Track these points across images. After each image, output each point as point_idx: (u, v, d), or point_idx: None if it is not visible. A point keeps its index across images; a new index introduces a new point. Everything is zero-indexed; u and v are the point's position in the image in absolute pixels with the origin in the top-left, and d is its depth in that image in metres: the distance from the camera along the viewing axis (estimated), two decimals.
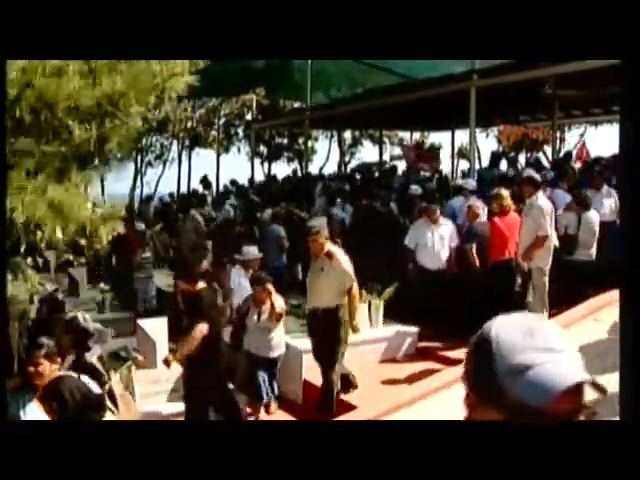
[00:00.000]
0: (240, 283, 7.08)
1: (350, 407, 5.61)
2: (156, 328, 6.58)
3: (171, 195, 18.76)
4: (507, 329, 1.15)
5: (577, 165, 11.25)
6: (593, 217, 7.70)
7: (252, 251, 7.15)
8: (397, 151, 27.32)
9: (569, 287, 7.58)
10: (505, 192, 7.31)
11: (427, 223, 7.86)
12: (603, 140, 30.11)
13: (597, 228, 7.65)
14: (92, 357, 4.51)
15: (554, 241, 6.96)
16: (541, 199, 6.82)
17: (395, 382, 6.31)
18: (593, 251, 7.69)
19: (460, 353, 6.67)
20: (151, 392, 5.91)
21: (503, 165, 12.66)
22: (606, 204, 8.10)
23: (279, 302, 6.08)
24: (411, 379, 6.14)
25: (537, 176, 7.17)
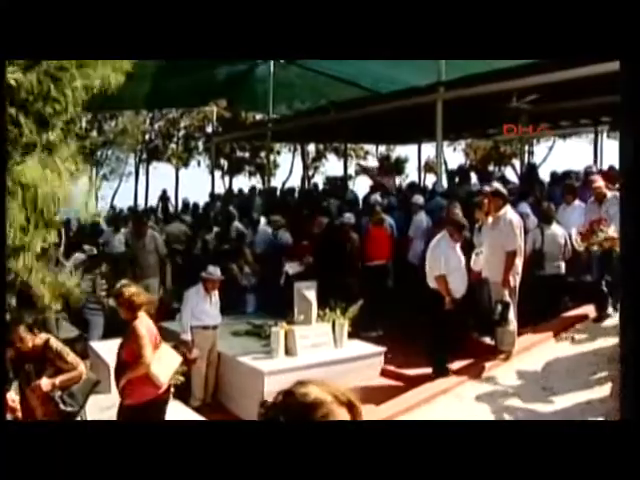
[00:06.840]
0: (198, 304, 6.78)
1: None
2: (111, 351, 6.10)
3: (130, 209, 18.07)
4: None
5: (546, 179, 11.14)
6: (556, 231, 7.57)
7: (217, 272, 6.89)
8: (363, 162, 27.15)
9: (538, 304, 7.43)
10: (379, 208, 9.07)
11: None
12: (571, 153, 30.54)
13: (562, 241, 7.50)
14: None
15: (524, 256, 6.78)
16: (510, 213, 6.65)
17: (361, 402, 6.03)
18: (560, 264, 7.54)
19: (425, 372, 6.43)
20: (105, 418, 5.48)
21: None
22: (576, 218, 7.94)
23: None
24: (377, 400, 5.85)
25: (505, 190, 7.04)
